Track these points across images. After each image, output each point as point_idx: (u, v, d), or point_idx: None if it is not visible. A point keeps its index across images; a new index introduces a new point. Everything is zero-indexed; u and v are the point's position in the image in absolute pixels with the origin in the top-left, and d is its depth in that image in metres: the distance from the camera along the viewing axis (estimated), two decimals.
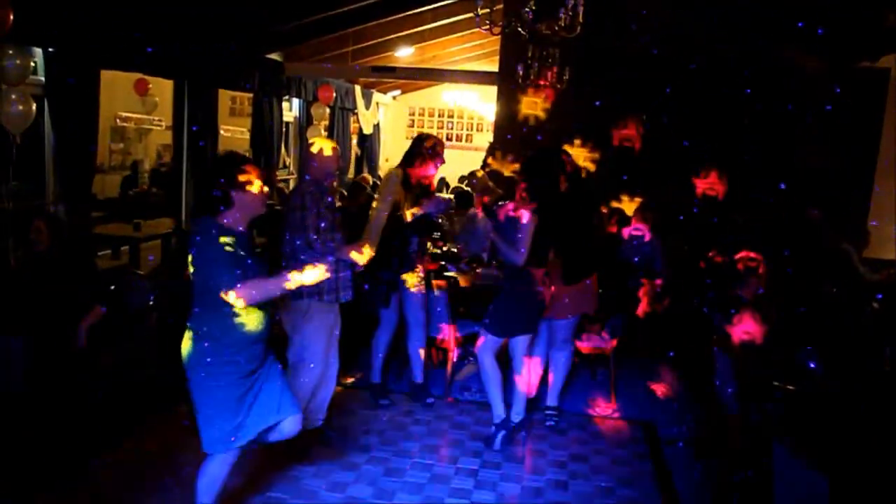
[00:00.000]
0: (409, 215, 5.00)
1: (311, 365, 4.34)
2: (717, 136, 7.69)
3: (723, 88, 7.80)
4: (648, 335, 6.44)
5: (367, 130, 14.39)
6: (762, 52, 7.68)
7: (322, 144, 4.41)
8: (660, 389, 5.94)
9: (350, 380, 5.71)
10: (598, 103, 7.97)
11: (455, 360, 5.70)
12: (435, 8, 9.76)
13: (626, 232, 6.76)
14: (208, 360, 3.23)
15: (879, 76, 8.40)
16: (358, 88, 13.51)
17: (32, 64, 6.05)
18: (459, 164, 12.81)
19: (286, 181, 12.42)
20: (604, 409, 5.52)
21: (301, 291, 4.15)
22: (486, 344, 4.70)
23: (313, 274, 3.21)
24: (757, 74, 7.71)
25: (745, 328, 4.53)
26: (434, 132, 16.31)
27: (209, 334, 3.23)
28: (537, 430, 5.06)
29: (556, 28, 5.63)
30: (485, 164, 9.10)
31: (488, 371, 4.68)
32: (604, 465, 4.61)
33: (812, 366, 4.06)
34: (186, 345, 3.28)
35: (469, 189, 7.86)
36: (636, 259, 6.28)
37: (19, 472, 3.90)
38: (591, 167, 7.77)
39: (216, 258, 3.14)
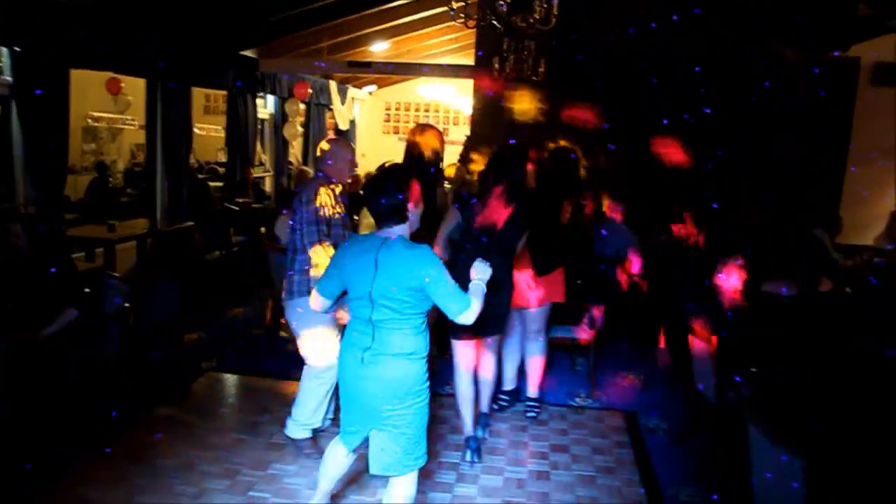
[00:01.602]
0: None
1: (323, 361, 4.34)
2: (692, 127, 7.74)
3: (698, 78, 7.85)
4: (627, 325, 6.49)
5: (344, 126, 14.34)
6: (736, 43, 7.73)
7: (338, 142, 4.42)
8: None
9: None
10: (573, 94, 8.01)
11: (434, 355, 5.68)
12: (410, 2, 9.72)
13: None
14: (424, 378, 3.19)
15: (850, 65, 8.49)
16: (333, 84, 13.46)
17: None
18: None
19: (262, 178, 12.35)
20: (584, 400, 5.55)
21: (308, 289, 4.17)
22: (457, 350, 4.52)
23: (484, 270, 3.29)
24: (731, 64, 7.77)
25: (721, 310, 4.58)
26: (410, 126, 16.26)
27: (421, 352, 3.17)
28: (518, 421, 5.08)
29: (532, 20, 5.63)
30: (462, 158, 9.09)
31: (459, 386, 4.52)
32: (585, 454, 4.63)
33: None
34: (401, 371, 3.11)
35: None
36: (609, 250, 6.30)
37: None
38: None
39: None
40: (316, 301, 3.37)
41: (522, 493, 4.14)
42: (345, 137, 14.43)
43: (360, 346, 3.12)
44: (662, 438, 4.91)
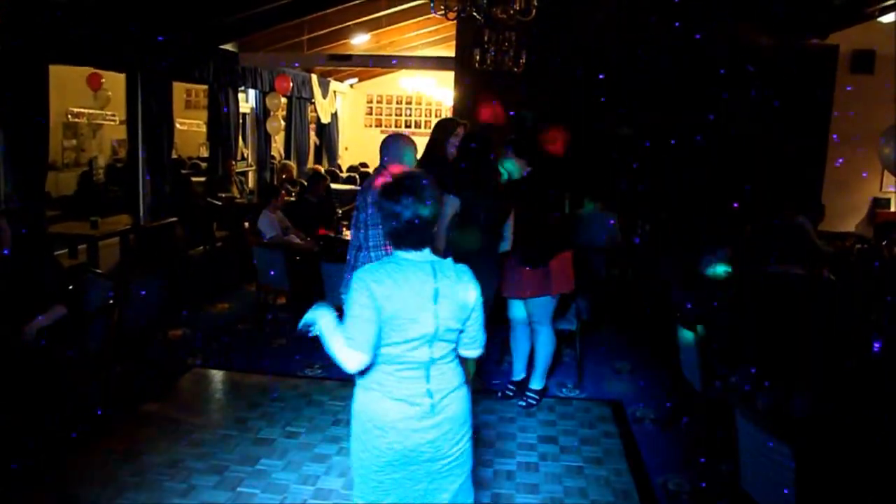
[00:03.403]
0: None
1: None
2: (671, 115, 7.78)
3: (676, 68, 7.88)
4: (613, 314, 6.52)
5: (326, 120, 14.28)
6: (715, 32, 7.76)
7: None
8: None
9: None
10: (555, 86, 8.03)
11: None
12: None
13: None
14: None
15: (829, 52, 8.55)
16: (314, 77, 13.39)
17: None
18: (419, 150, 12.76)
19: (244, 173, 12.29)
20: (571, 390, 5.58)
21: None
22: None
23: None
24: (710, 53, 7.80)
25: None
26: (392, 119, 16.25)
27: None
28: (506, 413, 5.09)
29: (511, 12, 5.63)
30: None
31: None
32: (573, 445, 4.65)
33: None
34: (464, 402, 2.66)
35: None
36: (584, 239, 6.34)
37: None
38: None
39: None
40: (354, 360, 2.48)
41: (511, 484, 4.15)
42: (327, 131, 14.41)
43: (419, 395, 2.55)
44: (650, 427, 4.95)
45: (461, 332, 2.61)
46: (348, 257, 4.33)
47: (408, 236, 2.51)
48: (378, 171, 4.33)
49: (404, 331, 2.48)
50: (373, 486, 2.65)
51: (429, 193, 2.50)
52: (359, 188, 10.83)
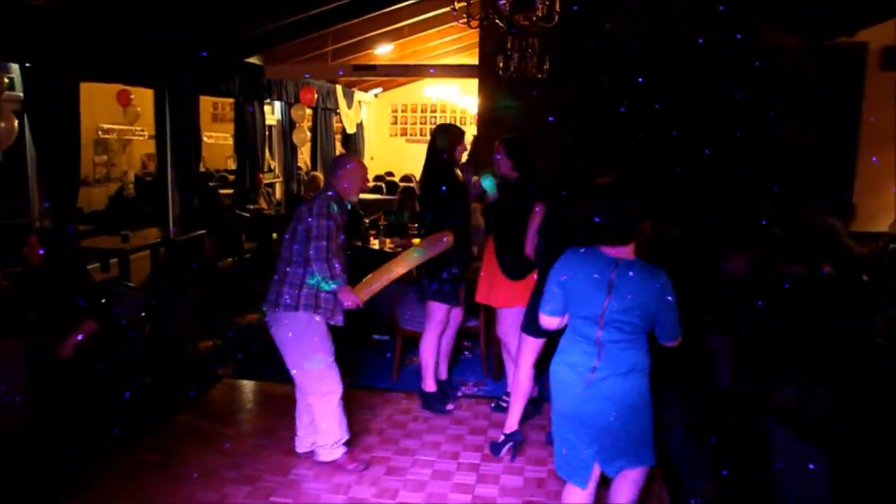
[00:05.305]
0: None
1: (329, 372, 4.18)
2: (699, 119, 7.72)
3: (703, 71, 7.81)
4: None
5: (351, 130, 14.36)
6: (740, 33, 7.70)
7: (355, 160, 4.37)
8: None
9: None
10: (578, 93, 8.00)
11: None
12: (413, 3, 9.72)
13: None
14: (649, 393, 3.09)
15: (857, 50, 8.44)
16: (339, 88, 13.47)
17: (7, 80, 6.02)
18: None
19: (272, 185, 12.38)
20: None
21: (298, 304, 4.07)
22: (528, 349, 4.40)
23: None
24: (736, 54, 7.73)
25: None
26: (417, 128, 16.28)
27: (649, 366, 3.07)
28: (537, 420, 5.06)
29: (534, 18, 5.62)
30: (470, 157, 9.07)
31: (523, 382, 4.43)
32: None
33: None
34: (634, 388, 3.02)
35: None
36: None
37: (19, 487, 3.88)
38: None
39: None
40: (545, 321, 3.19)
41: (542, 492, 4.14)
42: (352, 141, 14.48)
43: (585, 367, 3.00)
44: (681, 431, 4.90)
45: (642, 327, 2.95)
46: (276, 277, 4.19)
47: (606, 233, 2.96)
48: (326, 190, 4.16)
49: (579, 308, 3.00)
50: (557, 440, 3.17)
51: (628, 198, 2.99)
52: (386, 197, 10.96)
